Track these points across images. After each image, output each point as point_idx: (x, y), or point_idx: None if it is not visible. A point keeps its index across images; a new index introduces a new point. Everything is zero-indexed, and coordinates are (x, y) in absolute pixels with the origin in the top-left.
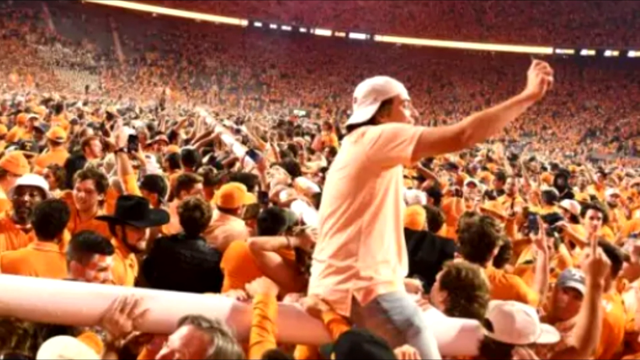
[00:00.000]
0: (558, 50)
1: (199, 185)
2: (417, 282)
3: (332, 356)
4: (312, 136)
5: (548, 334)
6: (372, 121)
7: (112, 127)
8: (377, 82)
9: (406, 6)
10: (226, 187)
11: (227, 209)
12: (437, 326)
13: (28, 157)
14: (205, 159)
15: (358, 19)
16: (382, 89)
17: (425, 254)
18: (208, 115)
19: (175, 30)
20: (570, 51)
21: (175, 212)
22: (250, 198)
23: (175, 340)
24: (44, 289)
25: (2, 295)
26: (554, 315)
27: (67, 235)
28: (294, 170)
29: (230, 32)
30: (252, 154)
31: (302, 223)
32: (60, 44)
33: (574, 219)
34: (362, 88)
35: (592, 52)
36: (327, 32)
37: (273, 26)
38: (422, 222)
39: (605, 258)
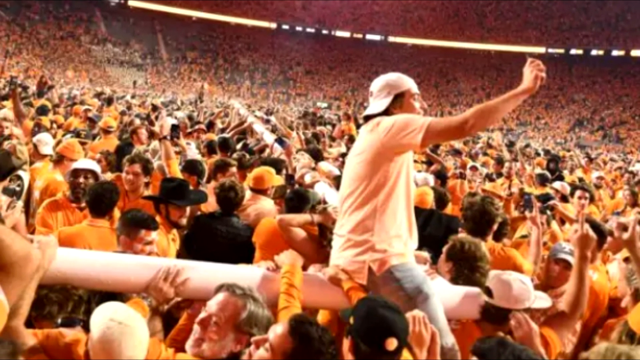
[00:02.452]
0: (550, 50)
1: (234, 169)
2: (425, 254)
3: (351, 320)
4: (333, 126)
5: (541, 300)
6: (386, 112)
7: (156, 118)
8: (390, 78)
9: (416, 11)
10: (257, 171)
11: (258, 190)
12: (444, 293)
13: (82, 144)
14: (238, 146)
15: (374, 22)
16: (395, 83)
17: (433, 229)
18: (241, 107)
19: (213, 32)
20: (561, 50)
21: (212, 193)
22: (279, 180)
23: (213, 305)
24: (97, 261)
25: (60, 265)
26: (547, 284)
27: (117, 213)
28: (317, 156)
29: (261, 34)
30: (280, 141)
31: (324, 202)
32: (111, 44)
33: (564, 199)
34: (377, 83)
35: (580, 52)
36: (346, 34)
37: (299, 28)
38: (430, 202)
39: (591, 233)
